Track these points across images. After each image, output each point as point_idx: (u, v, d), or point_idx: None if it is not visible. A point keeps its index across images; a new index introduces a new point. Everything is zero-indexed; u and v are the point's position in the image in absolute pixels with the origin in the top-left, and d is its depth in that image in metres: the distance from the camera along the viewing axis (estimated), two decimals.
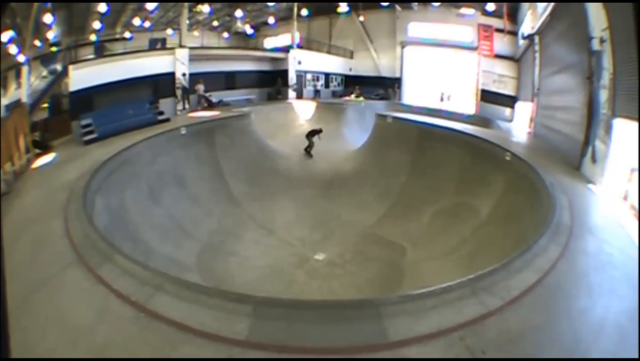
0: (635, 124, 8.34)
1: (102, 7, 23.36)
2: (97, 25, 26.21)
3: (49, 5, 19.19)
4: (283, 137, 20.69)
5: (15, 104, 14.44)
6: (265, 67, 29.05)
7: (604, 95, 10.10)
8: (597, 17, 10.22)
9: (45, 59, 21.00)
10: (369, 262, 11.28)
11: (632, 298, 5.34)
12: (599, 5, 9.99)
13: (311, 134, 18.61)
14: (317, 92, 31.10)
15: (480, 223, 11.15)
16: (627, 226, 7.78)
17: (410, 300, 4.97)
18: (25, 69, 16.18)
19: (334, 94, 32.74)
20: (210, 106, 22.06)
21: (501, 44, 26.01)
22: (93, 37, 26.40)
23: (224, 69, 26.01)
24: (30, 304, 4.97)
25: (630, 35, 8.45)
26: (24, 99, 15.66)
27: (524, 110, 21.38)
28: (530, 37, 19.51)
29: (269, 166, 16.50)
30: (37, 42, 19.67)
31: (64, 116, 16.39)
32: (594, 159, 10.50)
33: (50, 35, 21.50)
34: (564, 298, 5.26)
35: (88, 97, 16.40)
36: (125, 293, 5.01)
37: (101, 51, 23.74)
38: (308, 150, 18.37)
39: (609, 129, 9.63)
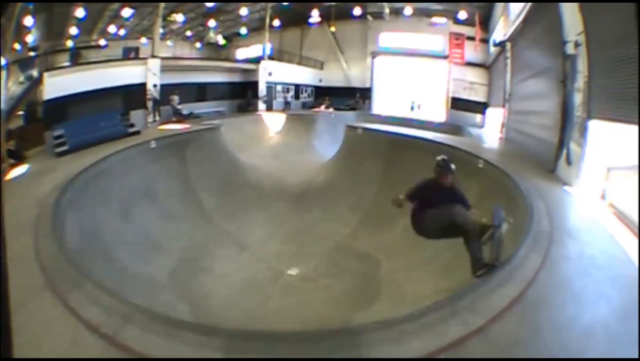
0: (611, 124, 8.49)
1: (80, 12, 22.99)
2: (74, 31, 25.81)
3: (31, 6, 18.76)
4: (254, 149, 20.47)
5: None
6: (236, 78, 28.85)
7: (578, 98, 10.22)
8: (572, 20, 10.36)
9: (22, 63, 20.51)
10: (343, 275, 11.07)
11: (619, 298, 5.30)
12: (574, 8, 10.11)
13: None
14: (287, 104, 31.03)
15: None
16: (607, 225, 7.82)
17: (391, 326, 4.77)
18: (3, 74, 15.74)
19: (304, 106, 32.72)
20: (181, 118, 21.70)
21: (472, 51, 26.40)
22: (69, 44, 25.98)
23: (196, 81, 25.72)
24: None
25: (606, 36, 8.62)
26: (1, 105, 15.21)
27: (495, 116, 21.65)
28: (501, 44, 19.74)
29: (241, 180, 16.22)
30: (16, 46, 19.16)
31: (39, 124, 15.97)
32: (568, 161, 10.59)
33: (30, 38, 21.05)
34: (549, 308, 5.15)
35: (61, 106, 16.07)
36: (95, 323, 4.75)
37: (76, 58, 23.38)
38: None
39: (583, 131, 9.72)
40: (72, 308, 5.10)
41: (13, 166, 12.61)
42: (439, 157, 7.34)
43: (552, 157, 11.57)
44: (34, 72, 19.52)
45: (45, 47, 21.91)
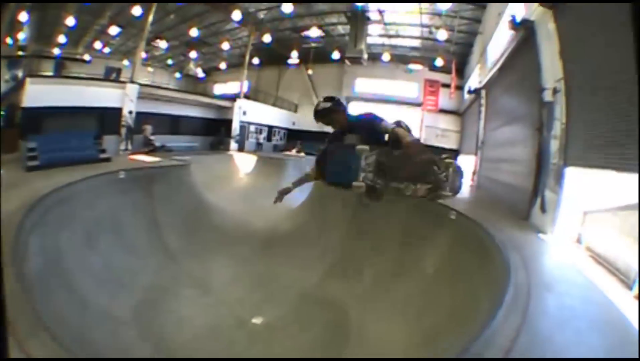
0: (588, 171, 8.65)
1: (70, 21, 23.08)
2: (62, 39, 25.57)
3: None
4: (222, 190, 20.25)
5: None
6: (211, 114, 28.76)
7: (554, 145, 10.28)
8: (551, 67, 10.52)
9: (11, 62, 20.10)
10: (311, 325, 10.65)
11: (601, 342, 5.20)
12: (554, 55, 10.30)
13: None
14: (259, 145, 30.97)
15: (426, 281, 10.82)
16: (583, 268, 7.85)
17: None
18: None
19: (276, 148, 32.82)
20: (153, 150, 21.30)
21: (446, 98, 26.84)
22: (56, 51, 25.73)
23: (170, 112, 25.47)
24: None
25: (586, 82, 8.76)
26: None
27: (466, 163, 21.61)
28: (476, 91, 20.03)
29: (207, 220, 15.84)
30: (8, 40, 18.84)
31: (15, 131, 15.69)
32: (543, 209, 10.61)
33: (21, 35, 20.70)
34: None
35: (39, 116, 15.82)
36: None
37: (60, 68, 23.08)
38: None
39: (559, 178, 9.78)
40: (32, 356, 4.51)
41: None
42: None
43: (526, 205, 11.58)
44: (19, 73, 19.14)
45: (34, 48, 21.62)
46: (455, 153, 25.63)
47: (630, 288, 6.57)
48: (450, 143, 26.65)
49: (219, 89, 36.29)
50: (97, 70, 24.96)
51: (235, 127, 28.47)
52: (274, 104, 33.24)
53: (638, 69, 4.83)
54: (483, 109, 18.72)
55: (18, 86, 17.09)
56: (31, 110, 15.55)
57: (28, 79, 15.71)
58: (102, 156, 16.36)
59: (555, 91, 10.11)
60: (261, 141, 31.54)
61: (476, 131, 19.53)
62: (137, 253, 12.32)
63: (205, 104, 28.41)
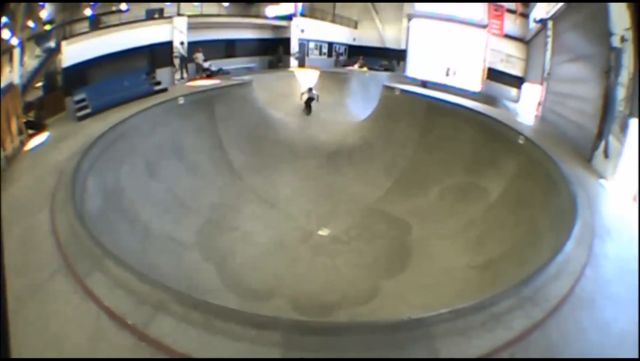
0: None
1: None
2: None
3: None
4: (285, 106, 20.24)
5: (7, 88, 13.77)
6: (266, 35, 28.34)
7: (621, 92, 9.80)
8: (619, 14, 9.83)
9: (39, 38, 20.23)
10: (374, 239, 11.03)
11: None
12: (622, 4, 9.64)
13: (307, 101, 18.95)
14: (338, 56, 30.80)
15: (490, 206, 10.83)
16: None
17: (458, 316, 4.61)
18: (16, 52, 15.48)
19: (337, 64, 31.95)
20: (210, 74, 21.39)
21: (511, 24, 25.35)
22: (88, 12, 25.76)
23: (224, 37, 25.26)
24: (17, 323, 4.36)
25: None
26: (16, 80, 14.88)
27: (531, 92, 20.96)
28: (543, 22, 18.83)
29: (271, 136, 16.09)
30: (30, 23, 18.95)
31: (58, 93, 15.75)
32: (606, 155, 10.22)
33: (44, 14, 20.76)
34: (592, 308, 5.16)
35: (82, 71, 15.80)
36: (120, 313, 4.38)
37: (96, 25, 23.16)
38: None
39: (624, 127, 9.37)
40: (93, 293, 4.74)
41: (32, 136, 12.47)
42: None
43: (590, 146, 11.20)
44: (52, 44, 19.26)
45: (62, 19, 21.58)
46: (520, 80, 24.57)
47: None
48: (515, 70, 25.38)
49: (272, 11, 35.46)
50: (138, 15, 24.68)
51: (294, 45, 28.03)
52: (332, 21, 32.10)
53: (638, 68, 4.59)
54: (550, 40, 17.65)
55: (53, 53, 16.91)
56: (72, 68, 15.53)
57: (63, 42, 15.61)
58: (157, 88, 16.57)
59: (623, 39, 9.55)
60: (341, 52, 31.61)
61: (542, 62, 18.58)
62: (201, 175, 12.92)
63: (259, 25, 27.94)
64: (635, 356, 4.26)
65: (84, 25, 20.30)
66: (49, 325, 4.43)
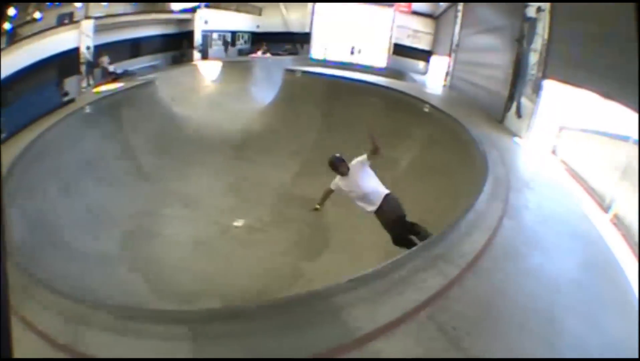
0: (566, 87, 8.90)
1: None
2: (11, 11, 24.51)
3: None
4: (190, 101, 20.19)
5: None
6: (171, 30, 27.50)
7: (533, 57, 10.55)
8: None
9: None
10: (289, 223, 11.18)
11: (581, 253, 5.47)
12: None
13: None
14: (226, 50, 30.51)
15: (400, 175, 11.00)
16: (560, 179, 8.08)
17: (363, 284, 4.52)
18: None
19: (241, 52, 31.85)
20: (116, 78, 21.14)
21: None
22: (7, 26, 24.84)
23: (129, 37, 24.17)
24: None
25: (572, 9, 8.93)
26: None
27: (439, 64, 21.80)
28: None
29: (179, 135, 16.01)
30: None
31: None
32: (518, 114, 10.99)
33: None
34: (517, 256, 5.22)
35: None
36: (53, 335, 4.34)
37: (13, 38, 22.40)
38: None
39: (537, 88, 10.08)
40: (27, 320, 4.62)
41: None
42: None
43: (501, 108, 11.95)
44: None
45: None
46: (428, 54, 25.78)
47: (605, 210, 6.72)
48: (422, 44, 26.49)
49: (177, 5, 35.18)
50: (50, 22, 24.03)
51: (198, 38, 27.75)
52: (237, 10, 32.29)
53: (638, 68, 5.18)
54: (460, 14, 18.55)
55: None
56: None
57: None
58: (65, 99, 15.80)
59: (539, 10, 10.25)
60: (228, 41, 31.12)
61: (451, 35, 19.45)
62: (116, 185, 12.51)
63: (165, 20, 27.12)
64: (635, 356, 3.75)
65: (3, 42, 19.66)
66: None
